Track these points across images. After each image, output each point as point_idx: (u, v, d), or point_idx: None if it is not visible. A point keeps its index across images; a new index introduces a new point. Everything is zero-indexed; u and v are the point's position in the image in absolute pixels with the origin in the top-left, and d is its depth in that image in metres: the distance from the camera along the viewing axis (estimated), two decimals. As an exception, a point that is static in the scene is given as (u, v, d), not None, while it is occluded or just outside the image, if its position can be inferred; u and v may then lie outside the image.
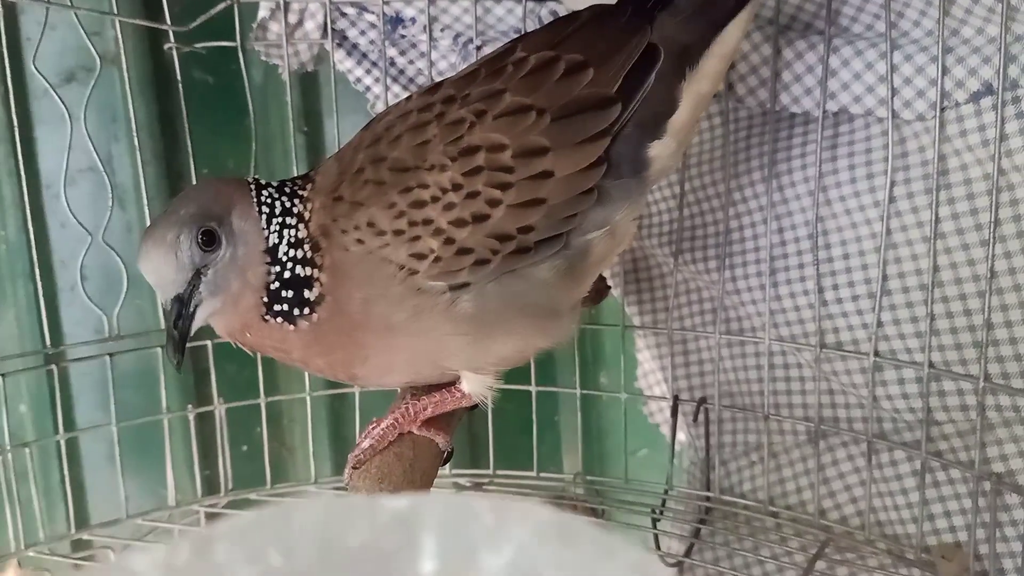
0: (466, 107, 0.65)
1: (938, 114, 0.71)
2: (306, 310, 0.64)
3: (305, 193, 0.66)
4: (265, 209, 0.65)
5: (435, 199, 0.63)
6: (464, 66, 0.86)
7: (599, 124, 0.64)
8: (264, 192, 0.66)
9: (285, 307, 0.64)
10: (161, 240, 0.63)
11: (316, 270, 0.64)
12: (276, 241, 0.64)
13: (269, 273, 0.64)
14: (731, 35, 0.68)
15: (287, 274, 0.64)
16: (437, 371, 0.69)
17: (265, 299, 0.64)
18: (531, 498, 0.90)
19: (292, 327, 0.64)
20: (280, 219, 0.65)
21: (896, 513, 0.82)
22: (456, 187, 0.63)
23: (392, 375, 0.69)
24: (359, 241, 0.63)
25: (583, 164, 0.64)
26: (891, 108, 0.74)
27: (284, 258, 0.64)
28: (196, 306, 0.64)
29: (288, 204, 0.65)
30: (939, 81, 0.71)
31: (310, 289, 0.64)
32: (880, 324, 0.77)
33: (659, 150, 0.67)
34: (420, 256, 0.63)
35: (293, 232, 0.64)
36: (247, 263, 0.64)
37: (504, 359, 0.68)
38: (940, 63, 0.71)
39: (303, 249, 0.64)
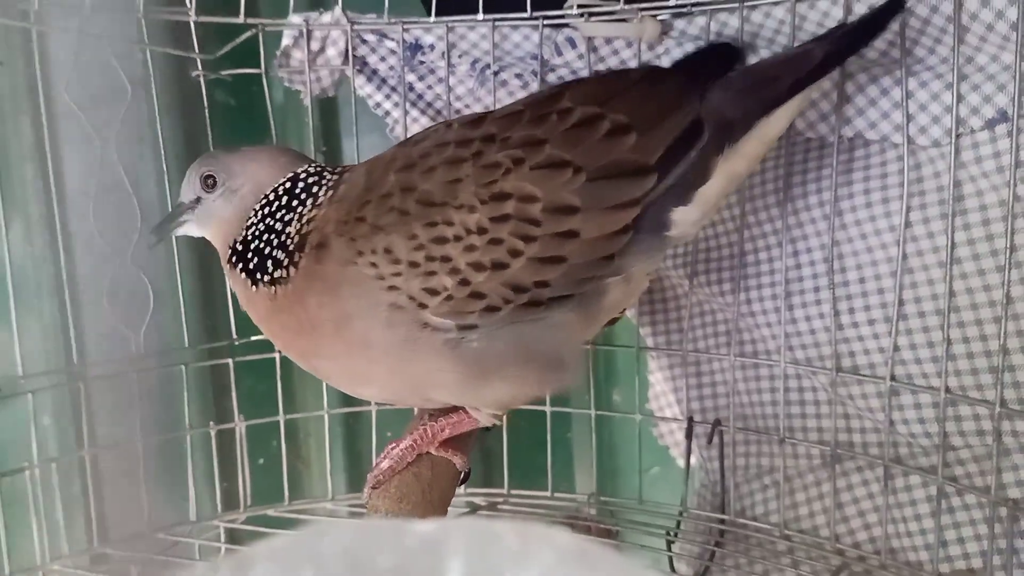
0: (504, 151, 0.64)
1: (953, 140, 0.72)
2: (267, 278, 0.69)
3: (323, 199, 0.69)
4: (284, 199, 0.70)
5: (457, 238, 0.63)
6: (481, 91, 0.88)
7: (632, 192, 0.64)
8: (302, 183, 0.70)
9: (250, 266, 0.70)
10: (196, 162, 0.75)
11: (288, 257, 0.67)
12: (255, 221, 0.70)
13: (237, 239, 0.71)
14: (777, 120, 0.67)
15: (254, 243, 0.70)
16: (419, 398, 0.69)
17: (230, 251, 0.72)
18: (547, 519, 0.90)
19: (254, 288, 0.70)
20: (281, 212, 0.70)
21: (910, 539, 0.82)
22: (481, 230, 0.63)
23: (369, 388, 0.70)
24: (373, 265, 0.64)
25: (609, 230, 0.64)
26: (906, 134, 0.74)
27: (257, 232, 0.70)
28: (185, 220, 0.75)
29: (300, 203, 0.69)
30: (954, 108, 0.72)
31: (278, 267, 0.68)
32: (896, 348, 0.77)
33: (682, 216, 0.67)
34: (432, 292, 0.63)
35: (281, 225, 0.69)
36: (227, 219, 0.72)
37: (496, 402, 0.68)
38: (955, 90, 0.71)
39: (287, 234, 0.68)
